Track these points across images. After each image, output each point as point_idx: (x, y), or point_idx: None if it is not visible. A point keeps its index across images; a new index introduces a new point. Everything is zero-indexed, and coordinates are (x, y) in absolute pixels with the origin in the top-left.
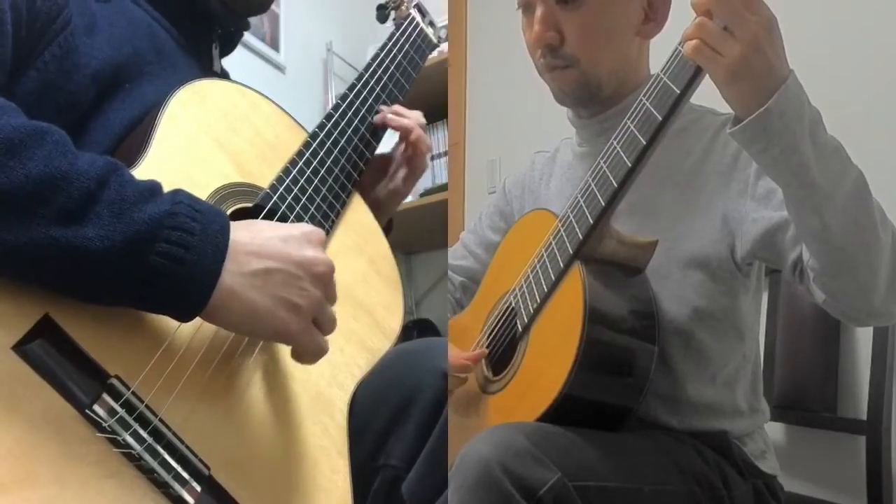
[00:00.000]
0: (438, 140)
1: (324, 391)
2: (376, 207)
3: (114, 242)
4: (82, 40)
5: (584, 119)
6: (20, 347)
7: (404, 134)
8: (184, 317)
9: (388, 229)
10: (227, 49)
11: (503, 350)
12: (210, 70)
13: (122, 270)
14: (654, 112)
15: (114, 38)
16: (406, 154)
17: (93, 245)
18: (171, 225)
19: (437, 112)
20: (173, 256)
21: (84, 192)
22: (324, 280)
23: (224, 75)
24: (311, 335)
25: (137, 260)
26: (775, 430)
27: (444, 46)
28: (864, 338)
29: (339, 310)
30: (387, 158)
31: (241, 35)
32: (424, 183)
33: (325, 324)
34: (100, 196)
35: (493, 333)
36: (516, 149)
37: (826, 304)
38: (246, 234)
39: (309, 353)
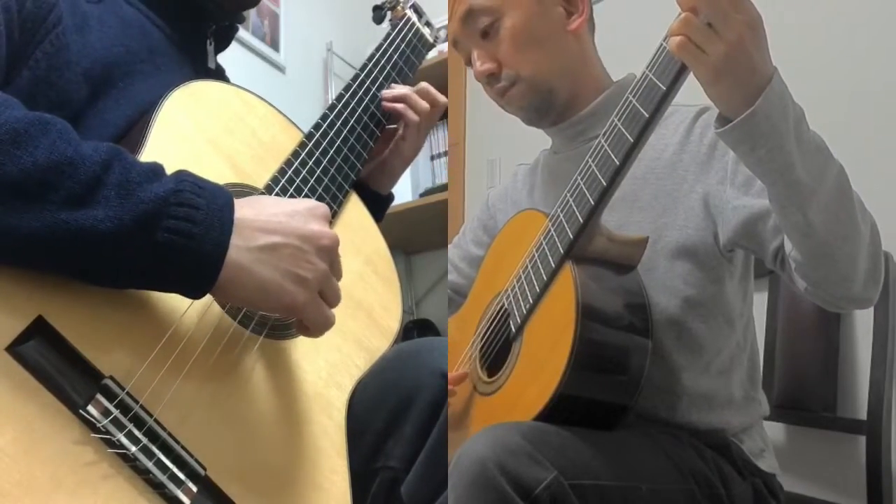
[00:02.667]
0: (438, 140)
1: (322, 391)
2: (387, 170)
3: (123, 222)
4: (73, 38)
5: (555, 126)
6: (14, 349)
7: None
8: (196, 292)
9: (388, 200)
10: (222, 45)
11: (497, 351)
12: (204, 67)
13: (133, 249)
14: (641, 109)
15: (105, 38)
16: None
17: (103, 226)
18: (177, 202)
19: None
20: (181, 231)
21: (90, 175)
22: (329, 253)
23: (219, 71)
24: (318, 307)
25: (147, 238)
26: (775, 430)
27: (444, 46)
28: (864, 338)
29: (337, 309)
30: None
31: (236, 30)
32: (424, 183)
33: (330, 296)
34: (106, 179)
35: (487, 335)
36: (516, 149)
37: (807, 292)
38: (251, 211)
39: (317, 325)
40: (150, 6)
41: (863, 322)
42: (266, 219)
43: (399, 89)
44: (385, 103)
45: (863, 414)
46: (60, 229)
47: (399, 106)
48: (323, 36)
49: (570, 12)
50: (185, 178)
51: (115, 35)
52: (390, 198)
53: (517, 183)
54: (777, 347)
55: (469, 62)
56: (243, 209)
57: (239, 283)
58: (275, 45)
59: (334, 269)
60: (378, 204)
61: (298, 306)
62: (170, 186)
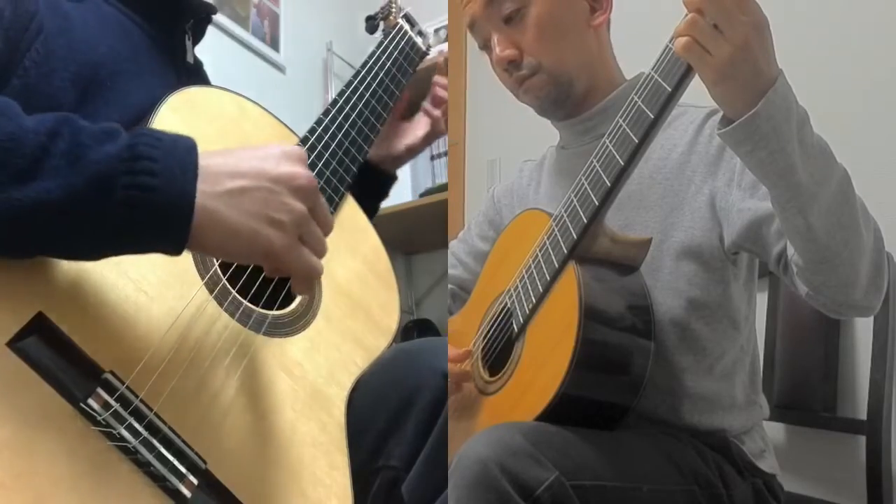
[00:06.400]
0: (438, 140)
1: (321, 388)
2: (393, 159)
3: (75, 188)
4: (58, 43)
5: (565, 120)
6: (15, 344)
7: (438, 103)
8: (173, 246)
9: (392, 180)
10: (198, 38)
11: (500, 351)
12: (184, 62)
13: (93, 214)
14: (646, 110)
15: (89, 38)
16: (434, 115)
17: (55, 195)
18: (132, 156)
19: None
20: (141, 185)
21: (36, 147)
22: (306, 193)
23: (198, 65)
24: (298, 252)
25: (105, 198)
26: (775, 430)
27: (444, 46)
28: (864, 338)
29: (334, 309)
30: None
31: (210, 20)
32: (424, 183)
33: (313, 242)
34: (53, 148)
35: (489, 334)
36: (516, 149)
37: (809, 297)
38: (219, 157)
39: (301, 272)
40: (128, 5)
41: (863, 322)
42: (235, 162)
43: (445, 94)
44: (426, 106)
45: (863, 414)
46: (14, 208)
47: (436, 114)
48: (323, 36)
49: (595, 8)
50: (142, 133)
51: (99, 35)
52: (395, 176)
53: (522, 179)
54: (777, 347)
55: (484, 46)
56: (211, 156)
57: (209, 229)
58: (275, 45)
59: (316, 213)
60: (386, 182)
61: (276, 251)
62: (124, 142)
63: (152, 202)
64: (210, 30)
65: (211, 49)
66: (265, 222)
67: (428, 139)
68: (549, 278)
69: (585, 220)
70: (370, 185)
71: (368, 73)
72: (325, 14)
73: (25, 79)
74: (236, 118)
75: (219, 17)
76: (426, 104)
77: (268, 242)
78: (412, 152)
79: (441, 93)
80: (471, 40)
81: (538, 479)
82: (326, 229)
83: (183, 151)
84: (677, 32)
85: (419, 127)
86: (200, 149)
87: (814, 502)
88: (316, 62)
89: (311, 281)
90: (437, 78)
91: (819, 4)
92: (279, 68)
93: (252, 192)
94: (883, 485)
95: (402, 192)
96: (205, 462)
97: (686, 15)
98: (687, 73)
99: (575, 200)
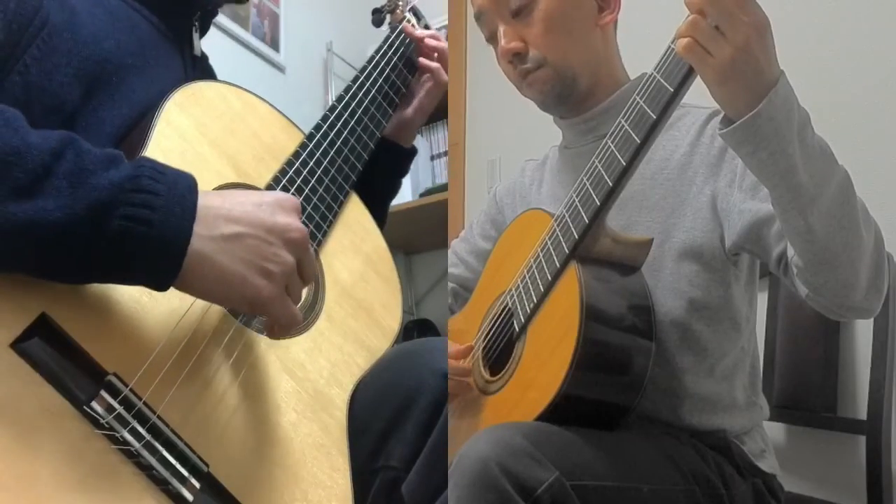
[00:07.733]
0: (438, 140)
1: (322, 389)
2: (410, 125)
3: (74, 211)
4: (62, 37)
5: (568, 119)
6: (18, 345)
7: (432, 53)
8: (160, 283)
9: (413, 152)
10: (203, 30)
11: (500, 350)
12: (191, 56)
13: (88, 239)
14: (648, 111)
15: (96, 32)
16: (432, 66)
17: (53, 216)
18: (134, 188)
19: (437, 112)
20: (138, 219)
21: (39, 165)
22: (298, 246)
23: (204, 59)
24: (284, 303)
25: (101, 226)
26: (775, 430)
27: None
28: (864, 338)
29: (337, 309)
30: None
31: (216, 13)
32: (424, 183)
33: (295, 294)
34: (56, 168)
35: (490, 333)
36: (516, 149)
37: (809, 298)
38: (216, 199)
39: (282, 322)
40: None
41: (863, 322)
42: (231, 207)
43: (440, 43)
44: (422, 59)
45: (863, 414)
46: (8, 223)
47: (434, 65)
48: (323, 36)
49: (603, 8)
50: (144, 164)
51: (106, 29)
52: (414, 150)
53: (524, 178)
54: (777, 347)
55: (491, 38)
56: (208, 197)
57: (200, 273)
58: (275, 45)
59: (303, 267)
60: (403, 158)
61: (263, 301)
62: (127, 172)
63: (146, 236)
64: (210, 29)
65: (211, 49)
66: (255, 271)
67: (432, 93)
68: (550, 278)
69: (587, 220)
70: (387, 162)
71: (375, 68)
72: (325, 14)
73: (26, 76)
74: (242, 114)
75: (219, 17)
76: (421, 59)
77: (255, 291)
78: (421, 112)
79: (431, 42)
80: (471, 41)
81: (538, 479)
82: (308, 283)
83: (184, 189)
84: (679, 33)
85: (421, 86)
86: (206, 142)
87: (814, 502)
88: (316, 62)
89: (291, 330)
90: (420, 33)
91: (819, 4)
92: (279, 68)
93: (246, 239)
94: (883, 485)
95: (402, 192)
96: (207, 465)
97: (688, 16)
98: (689, 74)
99: (577, 200)
